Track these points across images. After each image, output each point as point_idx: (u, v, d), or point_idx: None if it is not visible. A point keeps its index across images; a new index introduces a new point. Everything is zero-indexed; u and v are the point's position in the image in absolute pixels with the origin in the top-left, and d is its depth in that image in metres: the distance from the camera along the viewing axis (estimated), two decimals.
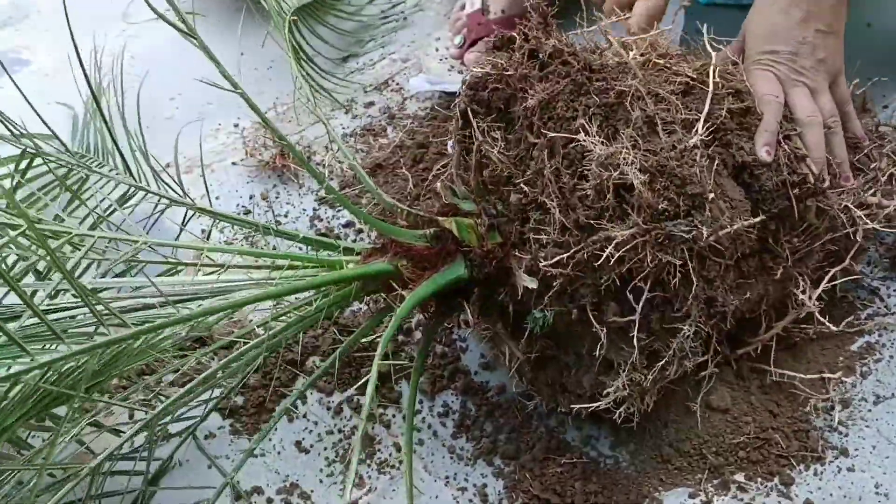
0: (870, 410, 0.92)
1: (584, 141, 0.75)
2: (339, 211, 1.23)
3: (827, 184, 0.85)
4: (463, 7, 1.50)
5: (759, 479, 0.88)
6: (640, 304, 0.74)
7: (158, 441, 0.93)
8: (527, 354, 0.86)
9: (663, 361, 0.77)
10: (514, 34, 0.85)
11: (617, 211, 0.74)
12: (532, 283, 0.78)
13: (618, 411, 0.79)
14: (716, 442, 0.89)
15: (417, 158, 1.27)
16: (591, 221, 0.75)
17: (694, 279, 0.74)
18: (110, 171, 1.13)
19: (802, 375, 0.92)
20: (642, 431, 0.91)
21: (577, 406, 0.82)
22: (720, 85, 0.84)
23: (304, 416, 1.00)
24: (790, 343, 0.95)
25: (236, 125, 1.41)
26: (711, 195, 0.74)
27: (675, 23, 1.00)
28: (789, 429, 0.90)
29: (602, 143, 0.75)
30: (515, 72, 0.82)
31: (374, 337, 1.02)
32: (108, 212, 1.11)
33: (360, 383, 0.99)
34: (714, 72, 0.84)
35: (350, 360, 1.03)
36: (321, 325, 1.05)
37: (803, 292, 0.87)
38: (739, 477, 0.88)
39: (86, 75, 1.10)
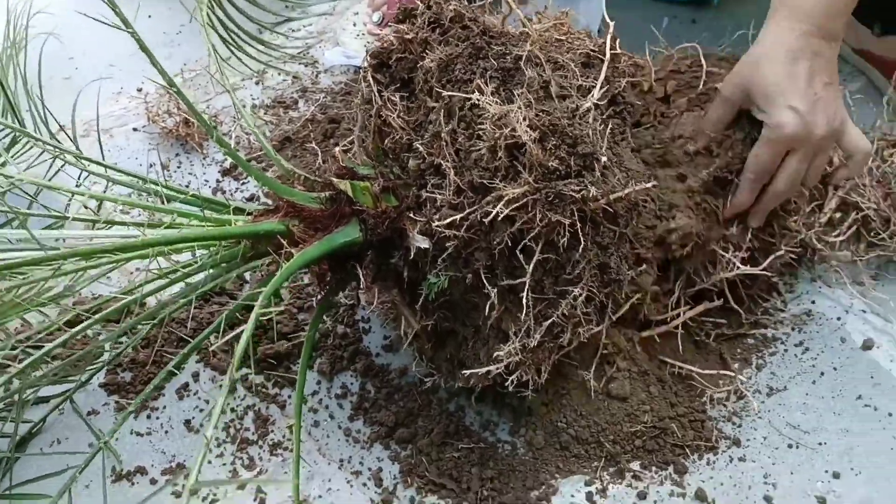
0: (763, 402, 0.93)
1: (479, 100, 0.74)
2: (242, 184, 1.19)
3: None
4: None
5: (654, 468, 0.88)
6: (531, 265, 0.73)
7: (30, 403, 0.87)
8: (423, 325, 0.83)
9: (552, 321, 0.76)
10: (417, 3, 0.83)
11: (510, 171, 0.74)
12: (425, 243, 0.77)
13: (511, 378, 0.78)
14: (613, 430, 0.89)
15: (328, 133, 1.23)
16: (485, 182, 0.74)
17: (584, 241, 0.74)
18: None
19: (700, 371, 0.93)
20: (541, 418, 0.90)
21: (470, 373, 0.80)
22: (621, 58, 0.84)
23: (196, 394, 0.96)
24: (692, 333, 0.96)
25: (139, 90, 1.34)
26: (604, 158, 0.74)
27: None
28: (686, 419, 0.91)
29: (496, 103, 0.74)
30: (416, 37, 0.81)
31: (273, 312, 0.99)
32: None
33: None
34: (614, 43, 0.84)
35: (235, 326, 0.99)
36: (217, 301, 1.01)
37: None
38: (635, 465, 0.88)
39: None
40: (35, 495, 0.82)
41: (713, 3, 1.43)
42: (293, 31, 1.46)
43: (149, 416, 0.94)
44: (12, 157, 1.07)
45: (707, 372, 0.93)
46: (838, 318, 1.01)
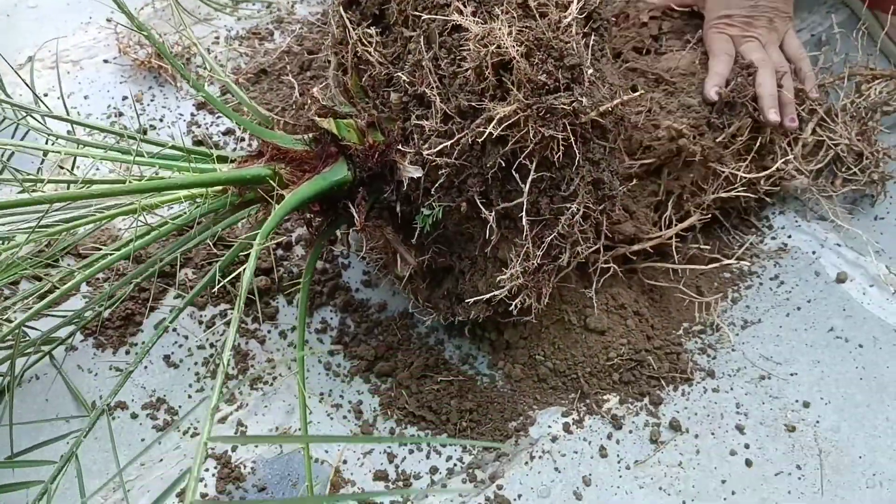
0: (737, 335, 0.95)
1: (460, 20, 0.73)
2: (218, 117, 1.17)
3: (776, 118, 0.96)
4: None
5: (631, 400, 0.90)
6: (527, 184, 0.73)
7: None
8: (419, 260, 0.83)
9: (550, 241, 0.76)
10: None
11: (498, 91, 0.73)
12: (416, 172, 0.76)
13: (514, 303, 0.78)
14: (591, 363, 0.91)
15: (305, 65, 1.21)
16: (473, 105, 0.73)
17: (577, 156, 0.73)
18: None
19: (681, 289, 0.95)
20: (519, 351, 0.91)
21: (473, 300, 0.81)
22: None
23: (174, 329, 0.96)
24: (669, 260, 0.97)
25: (109, 20, 1.30)
26: (590, 70, 0.73)
27: None
28: (662, 351, 0.92)
29: (478, 22, 0.73)
30: None
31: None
32: None
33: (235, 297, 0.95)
34: None
35: (225, 272, 0.99)
36: (206, 247, 1.00)
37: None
38: (611, 397, 0.90)
39: None
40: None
41: None
42: None
43: (127, 352, 0.94)
44: None
45: (687, 293, 0.95)
46: (813, 252, 1.02)
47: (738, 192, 0.96)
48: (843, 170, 1.06)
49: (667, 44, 1.08)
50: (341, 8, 0.83)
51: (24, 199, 0.69)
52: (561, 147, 0.71)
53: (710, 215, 0.98)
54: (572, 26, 0.74)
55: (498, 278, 0.77)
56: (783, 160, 1.00)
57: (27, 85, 0.96)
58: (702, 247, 0.98)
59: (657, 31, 1.09)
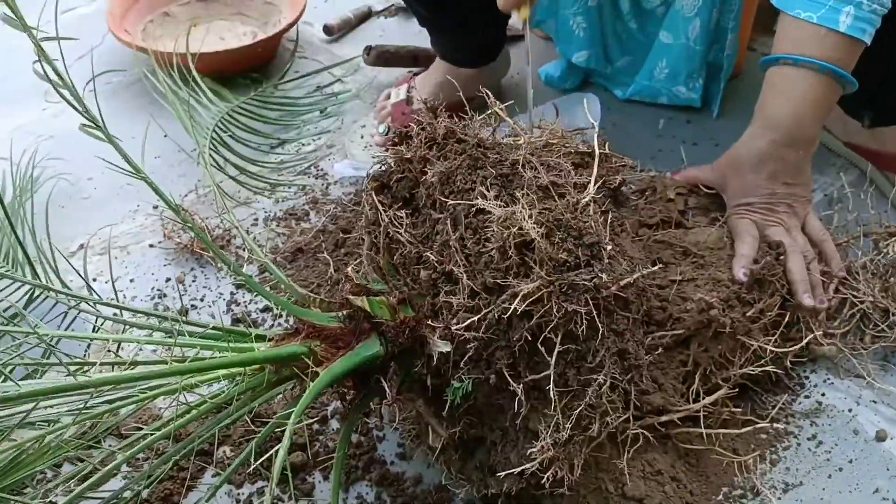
0: (779, 499, 0.93)
1: (484, 204, 0.78)
2: (256, 295, 1.22)
3: (810, 302, 1.01)
4: (388, 97, 1.54)
5: None
6: (553, 356, 0.74)
7: None
8: (451, 432, 0.84)
9: (579, 412, 0.76)
10: (412, 125, 0.89)
11: (521, 269, 0.76)
12: (446, 347, 0.78)
13: (546, 475, 0.78)
14: None
15: (339, 243, 1.27)
16: (498, 282, 0.76)
17: (601, 329, 0.75)
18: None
19: (718, 450, 0.95)
20: None
21: (504, 474, 0.81)
22: (611, 158, 0.89)
23: None
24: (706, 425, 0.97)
25: (155, 207, 1.39)
26: (609, 246, 0.77)
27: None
28: None
29: (500, 206, 0.78)
30: (415, 155, 0.86)
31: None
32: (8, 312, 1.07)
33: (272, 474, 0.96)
34: (603, 145, 0.89)
35: (263, 449, 1.00)
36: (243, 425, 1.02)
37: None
38: None
39: None
40: None
41: (712, 114, 1.49)
42: (304, 145, 1.51)
43: None
44: (33, 308, 1.10)
45: (726, 454, 0.94)
46: (849, 410, 1.01)
47: (766, 368, 0.98)
48: (871, 327, 1.07)
49: (693, 219, 1.13)
50: (374, 192, 0.89)
51: (70, 385, 0.72)
52: (584, 320, 0.74)
53: (737, 389, 0.99)
54: (590, 206, 0.79)
55: (529, 450, 0.78)
56: (811, 337, 1.02)
57: (78, 273, 1.02)
58: (733, 409, 0.98)
59: (683, 207, 1.15)
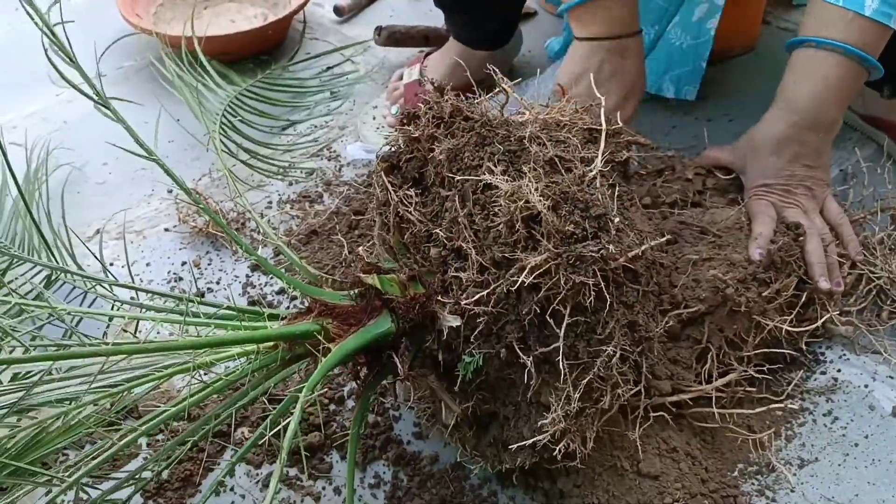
0: (795, 475, 0.93)
1: (491, 179, 0.78)
2: (272, 278, 1.22)
3: (826, 285, 1.01)
4: (401, 77, 1.54)
5: None
6: (563, 329, 0.75)
7: None
8: (464, 406, 0.85)
9: (590, 383, 0.77)
10: (419, 105, 0.89)
11: (529, 242, 0.77)
12: (456, 321, 0.79)
13: (558, 447, 0.79)
14: None
15: (353, 225, 1.27)
16: (506, 256, 0.77)
17: (609, 300, 0.76)
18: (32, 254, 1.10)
19: (732, 428, 0.95)
20: (573, 500, 0.90)
21: (517, 446, 0.81)
22: (622, 132, 0.89)
23: (232, 489, 0.97)
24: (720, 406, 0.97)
25: (170, 191, 1.39)
26: (617, 218, 0.77)
27: None
28: (718, 494, 0.91)
29: (507, 181, 0.78)
30: (423, 134, 0.86)
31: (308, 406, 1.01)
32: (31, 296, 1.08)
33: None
34: (607, 117, 0.89)
35: (281, 430, 1.01)
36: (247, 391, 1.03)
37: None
38: None
39: (9, 165, 1.08)
40: None
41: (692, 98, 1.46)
42: (316, 127, 1.52)
43: None
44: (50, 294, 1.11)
45: (741, 431, 0.94)
46: (865, 386, 1.01)
47: (782, 349, 0.98)
48: (888, 303, 1.06)
49: (711, 200, 1.13)
50: (383, 173, 0.89)
51: (85, 351, 0.73)
52: (592, 292, 0.75)
53: (752, 367, 0.99)
54: (597, 179, 0.79)
55: (540, 423, 0.78)
56: (826, 316, 1.02)
57: (95, 256, 1.03)
58: (748, 389, 0.98)
59: (701, 187, 1.15)
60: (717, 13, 1.34)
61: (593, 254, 0.74)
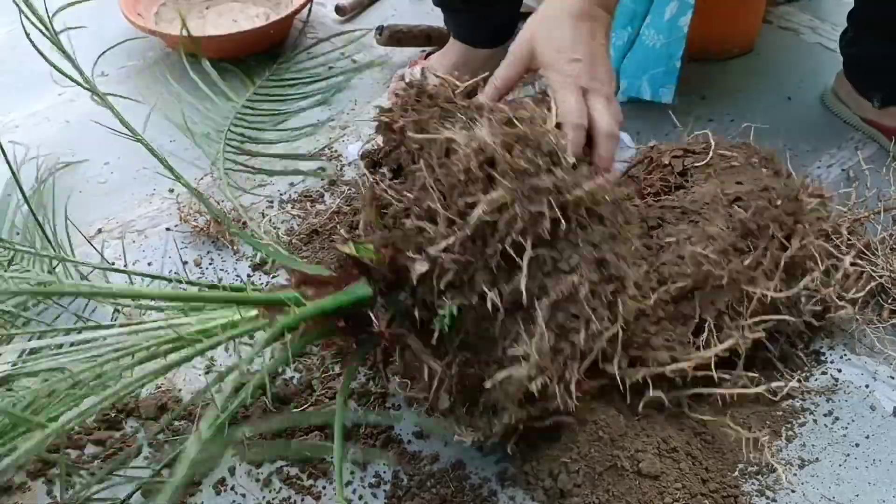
0: (795, 475, 0.93)
1: (448, 134, 0.83)
2: (273, 278, 1.23)
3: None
4: (402, 77, 1.54)
5: None
6: (525, 260, 0.78)
7: None
8: (445, 365, 0.86)
9: (560, 313, 0.79)
10: (391, 111, 0.95)
11: (487, 185, 0.80)
12: (423, 266, 0.81)
13: (535, 384, 0.80)
14: None
15: (354, 225, 1.27)
16: (468, 202, 0.80)
17: (571, 235, 0.79)
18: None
19: (731, 426, 0.95)
20: (573, 499, 0.90)
21: (502, 376, 0.82)
22: None
23: (233, 488, 0.97)
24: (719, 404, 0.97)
25: (171, 190, 1.40)
26: (570, 155, 0.81)
27: None
28: (719, 494, 0.91)
29: (465, 133, 0.83)
30: (393, 121, 0.93)
31: (305, 406, 1.02)
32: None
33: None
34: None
35: (281, 430, 1.01)
36: (251, 394, 1.03)
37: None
38: None
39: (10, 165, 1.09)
40: None
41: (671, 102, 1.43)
42: (316, 126, 1.52)
43: None
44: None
45: (742, 433, 0.94)
46: (866, 386, 1.01)
47: (781, 314, 0.97)
48: (890, 301, 1.06)
49: (693, 178, 1.11)
50: (366, 168, 0.97)
51: (66, 289, 0.75)
52: (550, 221, 0.77)
53: (751, 341, 0.97)
54: (552, 129, 0.84)
55: (510, 352, 0.81)
56: (810, 277, 1.00)
57: (100, 254, 1.03)
58: (750, 375, 0.97)
59: (682, 168, 1.14)
60: (689, 10, 1.32)
61: (546, 185, 0.77)
